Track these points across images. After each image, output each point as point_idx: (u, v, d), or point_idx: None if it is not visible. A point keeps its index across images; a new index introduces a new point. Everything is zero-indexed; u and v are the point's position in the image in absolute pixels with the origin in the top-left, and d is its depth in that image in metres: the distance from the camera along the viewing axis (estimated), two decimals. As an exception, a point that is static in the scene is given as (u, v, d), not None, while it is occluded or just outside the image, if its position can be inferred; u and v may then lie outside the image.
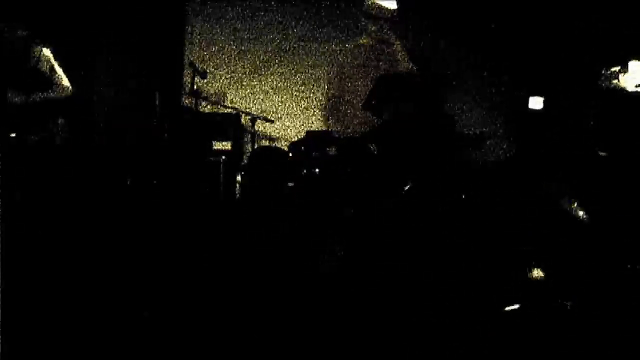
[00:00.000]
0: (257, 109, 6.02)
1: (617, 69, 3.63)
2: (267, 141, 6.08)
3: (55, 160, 4.39)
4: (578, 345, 2.55)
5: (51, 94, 4.34)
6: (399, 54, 4.32)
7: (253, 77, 6.23)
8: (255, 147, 5.57)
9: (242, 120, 5.73)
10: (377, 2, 4.31)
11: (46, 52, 4.34)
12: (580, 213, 3.08)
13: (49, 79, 4.33)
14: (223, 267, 3.70)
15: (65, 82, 4.41)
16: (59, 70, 4.39)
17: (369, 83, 4.20)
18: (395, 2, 4.33)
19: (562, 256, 3.14)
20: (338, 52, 4.52)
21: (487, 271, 3.20)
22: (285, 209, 4.10)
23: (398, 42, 4.35)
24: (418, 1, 4.60)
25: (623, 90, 3.58)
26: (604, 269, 2.95)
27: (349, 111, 4.36)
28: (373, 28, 4.34)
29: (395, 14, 4.33)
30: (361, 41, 4.44)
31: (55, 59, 4.41)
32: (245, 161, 5.19)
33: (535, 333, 2.67)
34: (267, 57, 6.25)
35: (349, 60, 4.39)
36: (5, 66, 4.26)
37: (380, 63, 4.35)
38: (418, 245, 3.42)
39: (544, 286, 3.03)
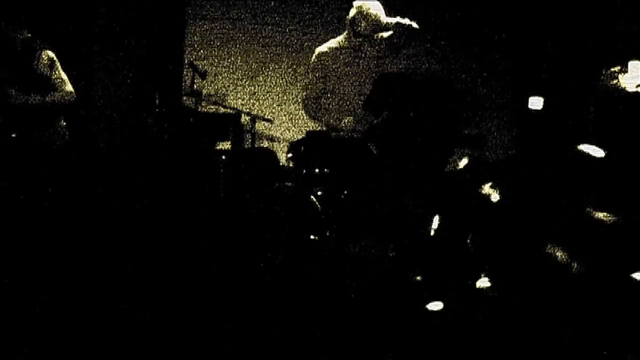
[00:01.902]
0: (257, 109, 6.02)
1: (617, 69, 3.63)
2: (267, 141, 6.08)
3: (56, 160, 4.38)
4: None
5: (52, 97, 4.31)
6: (383, 54, 4.30)
7: (253, 77, 6.23)
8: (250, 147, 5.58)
9: (242, 120, 5.72)
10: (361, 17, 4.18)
11: (49, 54, 4.33)
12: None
13: (50, 81, 4.32)
14: (224, 266, 3.70)
15: (68, 87, 4.38)
16: (62, 75, 4.36)
17: (352, 83, 4.25)
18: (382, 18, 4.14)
19: (563, 255, 3.14)
20: (322, 51, 4.39)
21: (486, 271, 3.20)
22: (286, 209, 4.10)
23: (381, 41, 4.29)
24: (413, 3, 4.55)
25: (623, 90, 3.58)
26: (604, 269, 2.95)
27: (328, 110, 4.37)
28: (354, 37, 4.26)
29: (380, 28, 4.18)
30: (340, 41, 4.36)
31: (59, 62, 4.39)
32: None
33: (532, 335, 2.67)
34: (267, 57, 6.25)
35: (330, 59, 4.34)
36: (7, 67, 4.25)
37: (361, 62, 4.31)
38: (418, 244, 3.43)
39: (545, 286, 3.03)
